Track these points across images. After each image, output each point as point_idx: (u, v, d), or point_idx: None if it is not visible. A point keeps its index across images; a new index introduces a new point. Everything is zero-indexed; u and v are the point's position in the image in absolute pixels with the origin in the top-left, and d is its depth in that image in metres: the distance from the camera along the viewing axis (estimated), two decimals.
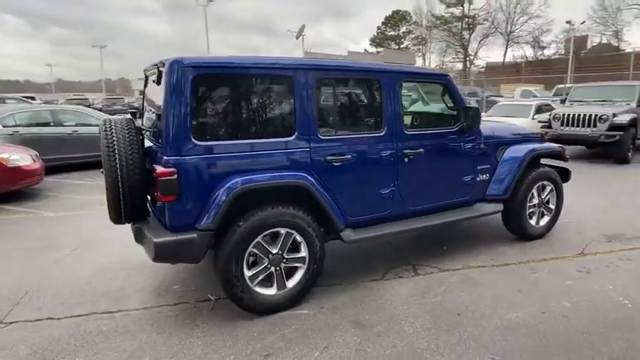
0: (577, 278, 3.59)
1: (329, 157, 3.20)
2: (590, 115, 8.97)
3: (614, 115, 8.76)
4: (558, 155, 4.54)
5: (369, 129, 3.47)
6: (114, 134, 2.96)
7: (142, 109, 3.85)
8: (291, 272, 3.15)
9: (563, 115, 9.40)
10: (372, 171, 3.42)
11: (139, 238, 3.08)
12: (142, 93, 3.83)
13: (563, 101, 11.04)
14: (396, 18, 65.16)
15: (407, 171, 3.57)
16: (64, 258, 4.27)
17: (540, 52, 55.22)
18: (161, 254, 2.76)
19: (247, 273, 2.97)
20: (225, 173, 2.86)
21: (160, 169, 2.72)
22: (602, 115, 8.82)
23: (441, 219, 3.80)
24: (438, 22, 58.62)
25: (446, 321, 2.95)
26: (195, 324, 3.00)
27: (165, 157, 2.75)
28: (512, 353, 2.58)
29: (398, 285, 3.53)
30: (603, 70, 30.99)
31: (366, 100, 3.58)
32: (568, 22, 39.51)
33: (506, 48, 55.28)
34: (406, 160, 3.54)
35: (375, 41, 66.70)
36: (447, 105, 3.93)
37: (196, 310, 3.18)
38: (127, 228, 3.28)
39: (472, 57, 58.53)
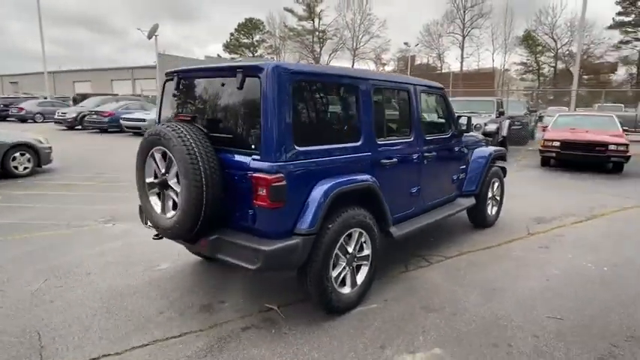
0: (544, 252, 4.58)
1: (383, 161, 3.49)
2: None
3: (485, 124, 10.82)
4: (503, 156, 5.61)
5: (404, 135, 3.86)
6: (191, 142, 2.75)
7: (160, 112, 3.56)
8: (357, 270, 3.33)
9: None
10: (407, 172, 3.83)
11: (217, 249, 2.87)
12: (164, 95, 3.52)
13: None
14: (250, 26, 65.90)
15: (426, 171, 4.06)
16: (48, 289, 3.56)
17: (382, 68, 62.43)
18: (270, 263, 2.67)
19: (333, 274, 3.06)
20: (317, 177, 2.92)
21: (267, 175, 2.65)
22: (476, 125, 10.78)
23: (443, 213, 4.39)
24: (291, 33, 61.28)
25: (490, 294, 3.52)
26: (284, 332, 2.96)
27: (269, 164, 2.69)
28: (558, 310, 3.27)
29: (427, 272, 3.98)
30: None
31: (400, 109, 3.97)
32: (406, 43, 45.81)
33: (353, 62, 60.95)
34: (425, 162, 4.04)
35: (229, 47, 66.35)
36: (441, 113, 4.57)
37: (269, 321, 3.11)
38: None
39: None
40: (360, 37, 57.96)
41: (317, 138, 3.00)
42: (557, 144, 9.65)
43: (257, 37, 66.46)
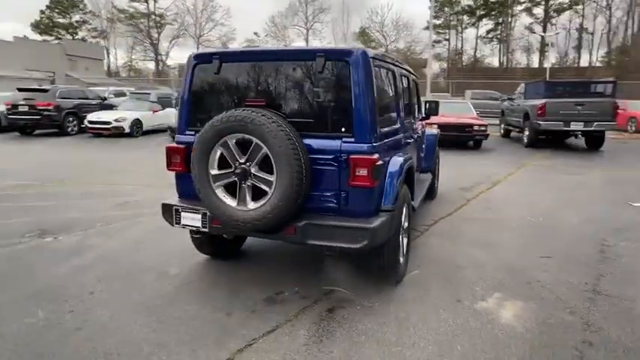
0: (492, 212, 5.57)
1: (406, 141, 3.85)
2: None
3: None
4: (440, 138, 6.50)
5: (412, 117, 4.29)
6: (287, 127, 2.68)
7: (189, 97, 3.25)
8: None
9: None
10: (416, 148, 4.30)
11: (308, 235, 2.84)
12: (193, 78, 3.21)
13: None
14: (65, 4, 56.97)
15: (419, 147, 4.58)
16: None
17: None
18: (374, 240, 2.79)
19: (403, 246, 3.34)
20: (389, 157, 3.14)
21: (368, 156, 2.77)
22: None
23: (424, 188, 4.98)
24: (122, 15, 55.17)
25: (489, 248, 4.23)
26: (368, 306, 3.10)
27: (367, 145, 2.80)
28: (544, 251, 4.14)
29: (427, 240, 4.53)
30: None
31: (410, 92, 4.34)
32: (255, 33, 45.56)
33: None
34: (416, 142, 4.54)
35: (40, 27, 56.18)
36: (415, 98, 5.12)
37: (343, 300, 3.20)
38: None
39: (164, 57, 58.47)
40: (204, 23, 55.80)
41: (387, 120, 3.20)
42: (436, 126, 11.32)
43: (77, 17, 57.71)
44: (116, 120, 13.62)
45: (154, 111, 14.95)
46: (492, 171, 8.47)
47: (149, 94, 16.94)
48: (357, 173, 2.77)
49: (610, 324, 2.84)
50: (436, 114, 5.38)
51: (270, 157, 2.70)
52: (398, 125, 3.50)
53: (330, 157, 2.82)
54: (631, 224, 5.09)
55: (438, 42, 51.86)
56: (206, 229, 3.15)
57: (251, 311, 3.05)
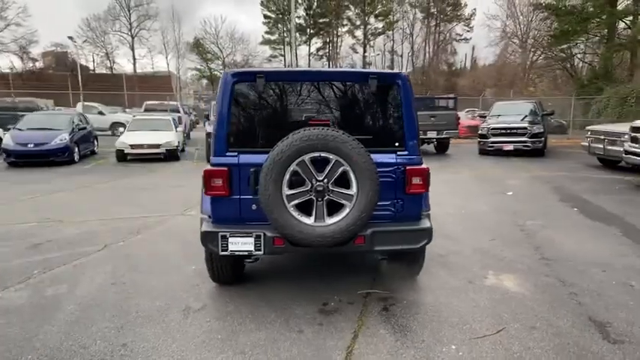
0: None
1: None
2: None
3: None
4: None
5: None
6: (361, 145, 2.93)
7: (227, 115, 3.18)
8: None
9: None
10: None
11: (375, 242, 3.11)
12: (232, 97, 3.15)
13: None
14: None
15: None
16: None
17: (32, 65, 51.97)
18: (430, 238, 3.24)
19: None
20: None
21: (422, 166, 3.21)
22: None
23: None
24: None
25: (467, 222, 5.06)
26: (417, 303, 3.51)
27: (417, 157, 3.23)
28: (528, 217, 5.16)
29: None
30: (105, 88, 34.20)
31: None
32: (70, 37, 39.31)
33: None
34: None
35: None
36: None
37: (385, 300, 3.53)
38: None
39: None
40: None
41: None
42: None
43: None
44: None
45: None
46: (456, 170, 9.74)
47: None
48: (414, 182, 3.17)
49: (574, 278, 3.87)
50: None
51: (351, 172, 2.89)
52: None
53: (389, 169, 3.15)
54: (520, 208, 6.64)
55: (275, 57, 54.25)
56: (260, 252, 3.11)
57: (318, 324, 3.14)
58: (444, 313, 3.28)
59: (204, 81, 56.42)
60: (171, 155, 12.68)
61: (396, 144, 3.22)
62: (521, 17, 38.55)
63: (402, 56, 53.00)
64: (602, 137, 9.92)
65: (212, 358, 2.73)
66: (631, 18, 20.30)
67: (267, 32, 53.59)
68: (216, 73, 54.88)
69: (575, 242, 4.93)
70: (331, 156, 2.87)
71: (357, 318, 3.22)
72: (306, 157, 2.87)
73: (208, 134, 11.96)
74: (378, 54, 47.18)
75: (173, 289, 3.73)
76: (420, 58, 52.26)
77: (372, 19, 52.67)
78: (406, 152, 3.21)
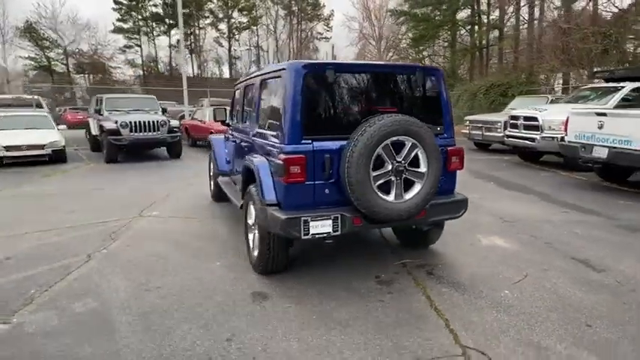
0: None
1: None
2: (153, 122, 11.13)
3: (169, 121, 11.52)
4: None
5: None
6: (425, 125, 3.39)
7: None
8: None
9: (132, 122, 10.84)
10: None
11: (431, 214, 3.58)
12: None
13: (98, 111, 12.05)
14: None
15: None
16: None
17: None
18: (466, 208, 3.84)
19: None
20: None
21: (459, 147, 3.78)
22: (160, 121, 11.24)
23: None
24: None
25: None
26: (447, 262, 4.09)
27: (453, 139, 3.78)
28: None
29: None
30: None
31: None
32: None
33: None
34: None
35: None
36: None
37: (421, 267, 4.05)
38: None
39: None
40: None
41: None
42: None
43: None
44: None
45: None
46: None
47: None
48: (453, 160, 3.72)
49: (538, 233, 4.92)
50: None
51: (424, 153, 3.29)
52: None
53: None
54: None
55: (130, 47, 49.63)
56: (337, 232, 3.31)
57: (389, 292, 3.49)
58: (474, 268, 3.94)
59: (33, 72, 48.39)
60: (58, 157, 11.01)
61: (438, 128, 3.72)
62: (375, 21, 42.61)
63: (267, 52, 53.72)
64: (481, 125, 12.02)
65: (325, 334, 2.87)
66: (469, 27, 24.50)
67: (119, 20, 48.63)
68: (56, 63, 47.89)
69: (516, 208, 6.13)
70: (408, 139, 3.24)
71: (415, 283, 3.66)
72: (389, 141, 3.18)
73: (108, 131, 10.76)
74: (248, 49, 46.98)
75: (220, 285, 3.63)
76: (285, 54, 53.71)
77: (235, 13, 52.10)
78: (445, 135, 3.75)
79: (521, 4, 20.76)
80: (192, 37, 53.58)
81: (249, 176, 3.89)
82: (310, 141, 3.27)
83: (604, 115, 6.49)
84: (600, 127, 6.46)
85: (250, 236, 4.00)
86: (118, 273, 3.90)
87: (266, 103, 3.96)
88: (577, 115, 7.09)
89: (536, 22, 20.29)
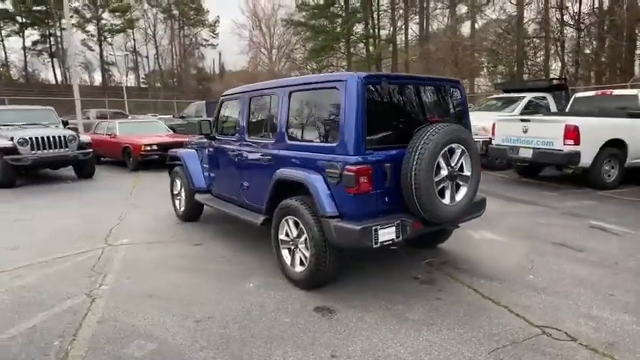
0: None
1: None
2: (59, 137, 9.63)
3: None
4: None
5: None
6: (471, 133, 3.73)
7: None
8: None
9: (33, 138, 9.25)
10: None
11: (468, 213, 3.89)
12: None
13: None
14: None
15: None
16: None
17: None
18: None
19: None
20: None
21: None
22: (68, 136, 9.77)
23: None
24: None
25: None
26: (467, 256, 4.47)
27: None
28: None
29: None
30: None
31: None
32: None
33: None
34: None
35: None
36: None
37: (448, 264, 4.37)
38: None
39: None
40: None
41: None
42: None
43: None
44: None
45: None
46: None
47: None
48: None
49: (515, 224, 5.64)
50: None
51: (470, 158, 3.60)
52: None
53: None
54: None
55: None
56: (399, 238, 3.44)
57: (438, 290, 3.73)
58: (491, 261, 4.40)
59: None
60: None
61: None
62: (265, 29, 42.93)
63: (147, 57, 50.19)
64: None
65: (418, 335, 2.99)
66: (365, 40, 26.34)
67: None
68: None
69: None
70: (459, 146, 3.52)
71: (453, 279, 3.95)
72: (446, 148, 3.42)
73: (2, 150, 9.00)
74: (127, 54, 43.19)
75: (275, 305, 3.47)
76: (168, 61, 50.84)
77: (106, 14, 47.63)
78: None
79: (409, 22, 23.12)
80: (50, 39, 47.45)
81: (283, 189, 3.80)
82: (372, 151, 3.34)
83: (528, 120, 7.68)
84: (525, 131, 7.63)
85: (284, 252, 3.88)
86: (147, 309, 3.44)
87: (305, 114, 3.88)
88: (503, 121, 8.24)
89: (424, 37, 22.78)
